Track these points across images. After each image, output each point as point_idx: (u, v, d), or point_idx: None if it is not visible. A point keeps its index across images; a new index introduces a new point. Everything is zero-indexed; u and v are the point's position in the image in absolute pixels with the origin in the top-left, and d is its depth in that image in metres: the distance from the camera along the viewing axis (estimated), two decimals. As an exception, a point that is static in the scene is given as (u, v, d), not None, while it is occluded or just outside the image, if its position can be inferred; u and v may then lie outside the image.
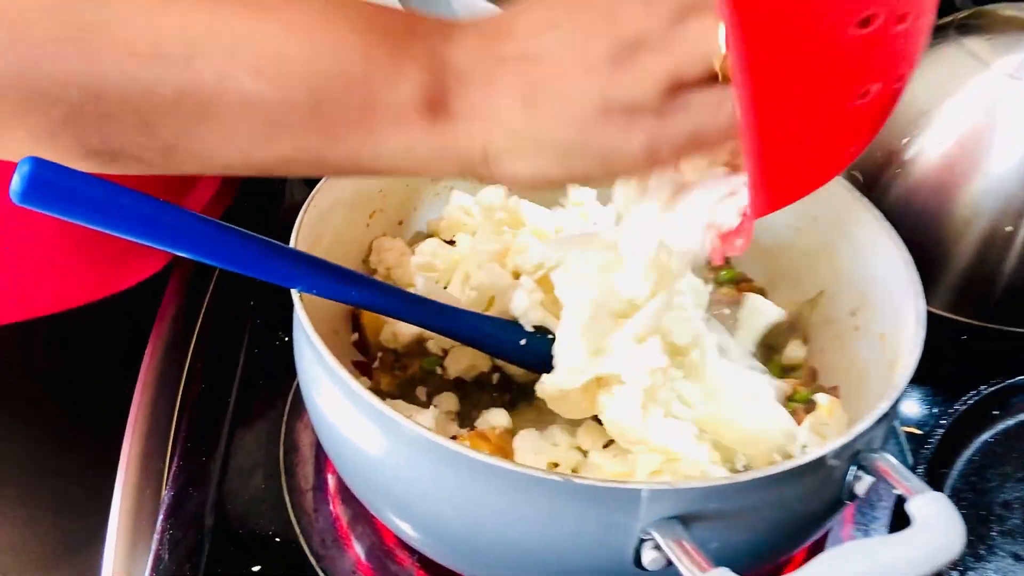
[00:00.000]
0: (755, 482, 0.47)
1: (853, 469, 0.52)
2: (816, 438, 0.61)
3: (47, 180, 0.43)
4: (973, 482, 0.66)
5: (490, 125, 0.44)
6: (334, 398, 0.54)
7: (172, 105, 0.43)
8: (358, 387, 0.50)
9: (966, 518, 0.60)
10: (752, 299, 0.71)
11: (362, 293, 0.57)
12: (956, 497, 0.65)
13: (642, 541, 0.47)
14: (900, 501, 0.49)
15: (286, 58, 0.43)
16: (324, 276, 0.55)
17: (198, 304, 0.82)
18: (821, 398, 0.65)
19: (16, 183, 0.42)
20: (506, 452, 0.59)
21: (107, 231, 0.47)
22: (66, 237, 0.73)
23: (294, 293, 0.55)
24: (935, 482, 0.65)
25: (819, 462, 0.49)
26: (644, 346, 0.55)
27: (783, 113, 0.41)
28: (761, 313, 0.70)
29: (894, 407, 0.52)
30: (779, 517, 0.51)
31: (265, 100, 0.43)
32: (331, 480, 0.65)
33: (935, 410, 0.74)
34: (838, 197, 0.68)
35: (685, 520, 0.47)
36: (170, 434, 0.71)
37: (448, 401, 0.64)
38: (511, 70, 0.43)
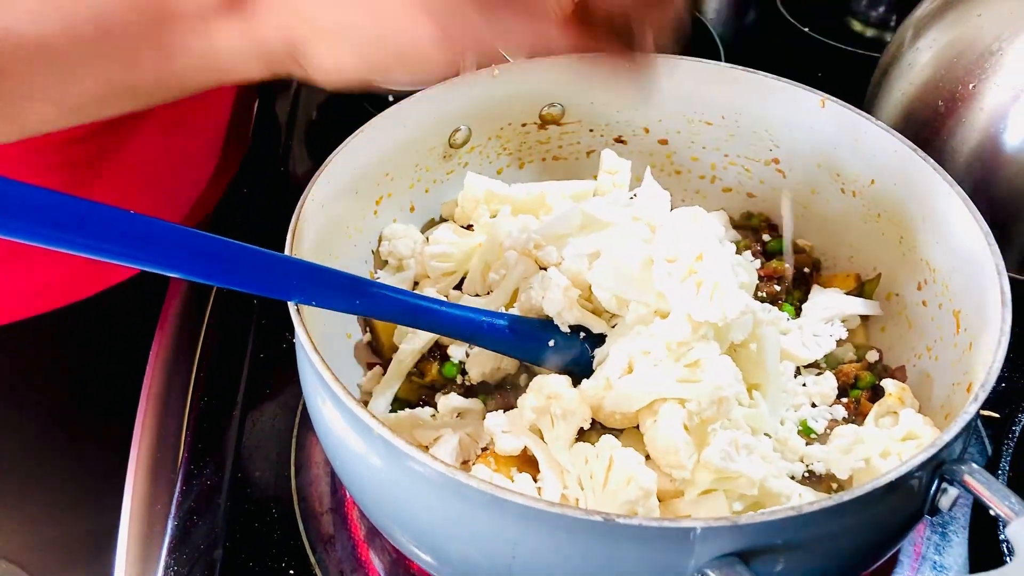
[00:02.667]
0: (826, 511, 0.41)
1: (937, 482, 0.45)
2: (884, 435, 0.54)
3: None
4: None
5: (292, 16, 0.45)
6: (342, 425, 0.48)
7: None
8: (367, 415, 0.44)
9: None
10: (829, 293, 0.64)
11: (365, 301, 0.50)
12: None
13: (697, 580, 0.41)
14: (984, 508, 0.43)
15: None
16: (321, 285, 0.49)
17: (203, 300, 0.76)
18: (889, 384, 0.59)
19: None
20: (533, 467, 0.53)
21: (74, 252, 0.41)
22: None
23: (291, 307, 0.48)
24: (1022, 474, 0.58)
25: (901, 480, 0.42)
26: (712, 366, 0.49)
27: None
28: (841, 304, 0.63)
29: (979, 409, 0.45)
30: (853, 542, 0.44)
31: (51, 44, 0.43)
32: (348, 501, 0.60)
33: (1016, 387, 0.66)
34: (897, 155, 0.61)
35: (745, 556, 0.41)
36: (178, 448, 0.67)
37: (471, 415, 0.57)
38: None
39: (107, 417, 0.90)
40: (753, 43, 1.06)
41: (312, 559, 0.56)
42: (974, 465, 0.44)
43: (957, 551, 0.58)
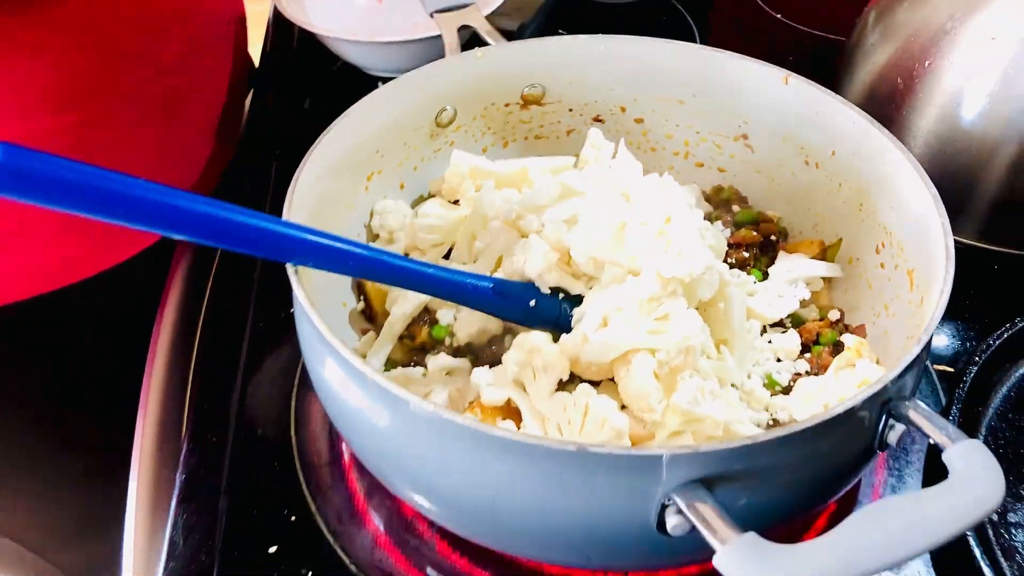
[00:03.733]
0: (780, 440, 0.45)
1: (884, 418, 0.49)
2: (842, 383, 0.59)
3: (19, 167, 0.41)
4: (1011, 419, 0.63)
5: None
6: (340, 378, 0.52)
7: None
8: (364, 366, 0.48)
9: (1004, 457, 0.59)
10: (794, 258, 0.68)
11: (360, 263, 0.54)
12: (993, 435, 0.63)
13: (664, 507, 0.45)
14: (934, 447, 0.47)
15: None
16: (318, 247, 0.53)
17: (204, 278, 0.80)
18: (848, 339, 0.63)
19: None
20: (516, 417, 0.57)
21: (89, 216, 0.44)
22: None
23: (290, 269, 0.52)
24: (971, 421, 0.63)
25: (848, 414, 0.46)
26: (680, 319, 0.53)
27: None
28: (805, 267, 0.67)
29: (924, 350, 0.49)
30: (809, 472, 0.48)
31: None
32: (345, 454, 0.64)
33: (968, 346, 0.71)
34: (856, 128, 0.65)
35: (709, 483, 0.45)
36: (183, 417, 0.71)
37: (460, 373, 0.61)
38: None
39: (110, 396, 0.93)
40: (726, 29, 1.10)
41: (312, 507, 0.60)
42: (918, 401, 0.48)
43: (913, 489, 0.62)
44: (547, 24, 1.08)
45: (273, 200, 0.82)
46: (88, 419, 0.91)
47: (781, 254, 0.69)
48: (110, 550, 1.10)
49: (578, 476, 0.45)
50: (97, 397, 0.91)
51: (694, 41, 1.04)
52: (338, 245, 0.53)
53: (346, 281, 0.67)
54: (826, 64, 0.91)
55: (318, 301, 0.52)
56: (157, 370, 0.78)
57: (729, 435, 0.54)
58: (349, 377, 0.51)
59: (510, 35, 1.03)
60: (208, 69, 0.85)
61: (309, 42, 0.96)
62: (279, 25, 1.04)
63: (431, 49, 0.89)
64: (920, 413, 0.48)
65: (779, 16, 1.08)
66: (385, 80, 0.83)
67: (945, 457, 0.45)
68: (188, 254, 0.86)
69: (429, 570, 0.58)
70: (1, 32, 0.50)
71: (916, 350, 0.49)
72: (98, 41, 0.70)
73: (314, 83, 0.99)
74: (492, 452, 0.46)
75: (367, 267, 0.55)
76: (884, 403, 0.49)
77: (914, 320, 0.58)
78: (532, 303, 0.59)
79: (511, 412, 0.58)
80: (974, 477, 0.44)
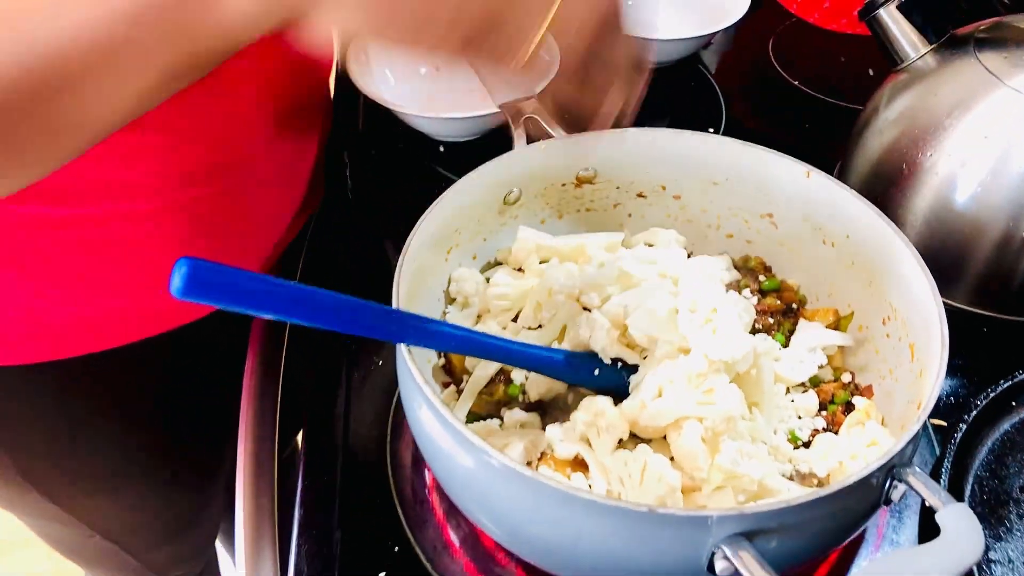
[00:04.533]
0: (810, 503, 0.57)
1: (889, 480, 0.61)
2: (854, 442, 0.71)
3: (203, 279, 0.52)
4: (994, 469, 0.75)
5: None
6: (434, 427, 0.63)
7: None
8: (460, 424, 0.59)
9: (987, 503, 0.70)
10: (812, 326, 0.80)
11: (454, 342, 0.66)
12: (979, 483, 0.75)
13: (713, 553, 0.57)
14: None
15: None
16: (425, 332, 0.64)
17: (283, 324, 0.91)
18: (858, 401, 0.75)
19: (176, 282, 0.49)
20: (583, 468, 0.69)
21: (254, 314, 0.56)
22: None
23: (401, 346, 0.64)
24: (960, 472, 0.75)
25: (863, 480, 0.58)
26: (723, 393, 0.65)
27: None
28: (822, 336, 0.78)
29: (922, 428, 0.61)
30: (829, 525, 0.60)
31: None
32: (433, 492, 0.76)
33: (960, 401, 0.83)
34: (866, 218, 0.76)
35: (749, 535, 0.57)
36: (273, 439, 0.82)
37: (531, 426, 0.73)
38: None
39: (196, 418, 1.04)
40: (749, 94, 1.22)
41: (411, 539, 0.72)
42: (916, 467, 0.60)
43: (909, 532, 0.74)
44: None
45: (353, 256, 0.94)
46: (179, 438, 1.02)
47: (801, 322, 0.81)
48: (192, 549, 1.22)
49: (647, 530, 0.57)
50: (187, 422, 1.02)
51: (718, 102, 1.16)
52: (444, 329, 0.65)
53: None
54: (837, 131, 1.03)
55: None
56: (249, 398, 0.87)
57: (763, 489, 0.66)
58: (444, 430, 0.62)
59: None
60: (308, 129, 0.94)
61: (372, 108, 1.07)
62: (344, 91, 1.15)
63: (491, 119, 1.00)
64: (918, 478, 0.60)
65: (797, 83, 1.20)
66: (446, 144, 0.95)
67: (938, 517, 0.57)
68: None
69: (510, 593, 0.70)
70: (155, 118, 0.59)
71: (915, 428, 0.61)
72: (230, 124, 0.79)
73: (380, 146, 1.10)
74: (575, 508, 0.58)
75: (465, 345, 0.67)
76: (890, 468, 0.60)
77: (914, 387, 0.70)
78: (596, 372, 0.71)
79: (578, 464, 0.69)
80: (960, 536, 0.56)
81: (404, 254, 0.71)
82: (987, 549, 0.71)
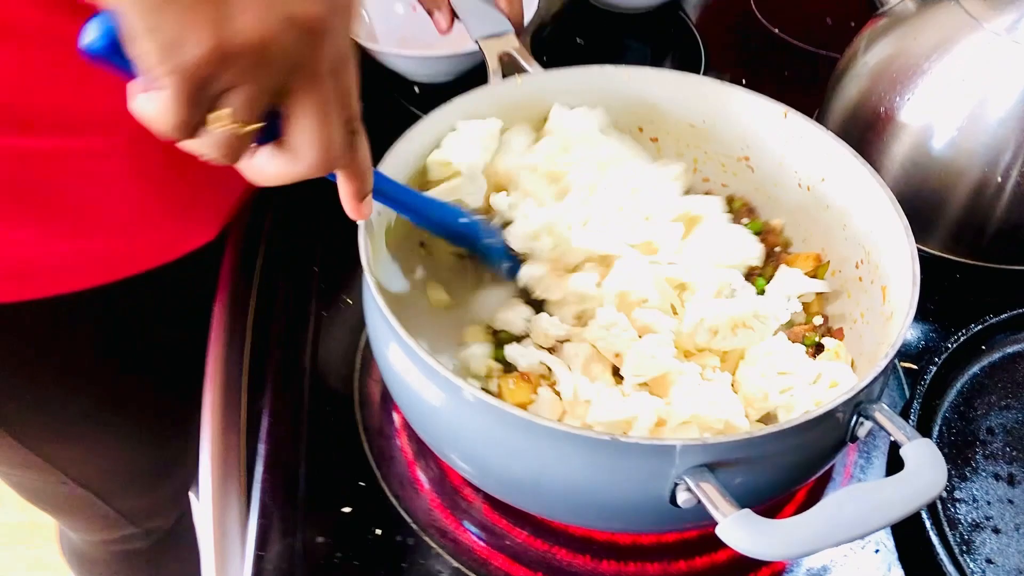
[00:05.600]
0: (772, 435, 0.56)
1: (856, 417, 0.61)
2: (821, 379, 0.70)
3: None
4: (962, 411, 0.75)
5: None
6: (402, 361, 0.63)
7: None
8: (424, 354, 0.58)
9: (953, 444, 0.71)
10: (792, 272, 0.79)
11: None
12: (947, 425, 0.75)
13: (676, 485, 0.57)
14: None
15: None
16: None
17: (252, 268, 0.91)
18: (828, 342, 0.74)
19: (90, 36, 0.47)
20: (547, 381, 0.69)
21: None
22: (148, 199, 0.80)
23: (363, 259, 0.63)
24: (928, 413, 0.75)
25: (828, 415, 0.58)
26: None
27: None
28: (800, 283, 0.78)
29: (890, 364, 0.61)
30: (793, 459, 0.60)
31: None
32: (402, 431, 0.75)
33: (930, 345, 0.83)
34: (842, 160, 0.75)
35: (712, 467, 0.57)
36: (241, 382, 0.82)
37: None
38: None
39: (171, 365, 1.03)
40: (728, 41, 1.20)
41: (378, 474, 0.71)
42: (883, 404, 0.60)
43: (877, 471, 0.74)
44: (562, 30, 1.18)
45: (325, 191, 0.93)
46: (152, 383, 1.01)
47: (781, 267, 0.80)
48: (167, 498, 1.21)
49: (610, 459, 0.57)
50: (160, 366, 1.01)
51: (698, 50, 1.15)
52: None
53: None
54: (818, 79, 1.02)
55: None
56: (218, 340, 0.86)
57: (728, 427, 0.66)
58: (411, 361, 0.62)
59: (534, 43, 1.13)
60: None
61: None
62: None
63: (468, 59, 0.99)
64: (884, 415, 0.60)
65: (777, 31, 1.19)
66: (423, 85, 0.94)
67: (902, 452, 0.57)
68: (236, 251, 0.95)
69: (476, 529, 0.70)
70: None
71: (883, 364, 0.60)
72: None
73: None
74: (538, 437, 0.58)
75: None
76: (856, 405, 0.60)
77: (884, 330, 0.70)
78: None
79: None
80: (924, 469, 0.56)
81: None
82: (952, 488, 0.71)
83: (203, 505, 0.76)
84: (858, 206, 0.75)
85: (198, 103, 0.46)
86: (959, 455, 0.73)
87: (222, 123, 0.47)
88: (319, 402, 0.76)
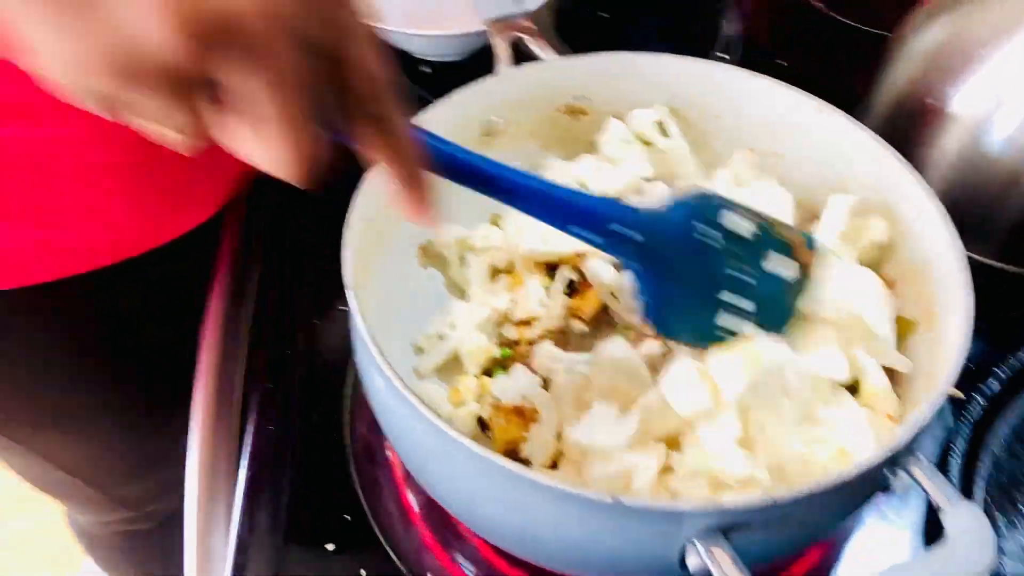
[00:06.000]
0: (794, 501, 0.50)
1: (891, 469, 0.54)
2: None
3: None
4: (1014, 449, 0.68)
5: None
6: (392, 400, 0.57)
7: None
8: (410, 393, 0.52)
9: (1004, 487, 0.63)
10: None
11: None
12: (995, 466, 0.67)
13: (686, 546, 0.51)
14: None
15: None
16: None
17: (251, 260, 0.86)
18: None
19: None
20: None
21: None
22: (123, 187, 0.77)
23: (349, 294, 0.57)
24: (975, 449, 0.67)
25: (862, 475, 0.51)
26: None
27: None
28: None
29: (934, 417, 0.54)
30: (816, 519, 0.54)
31: None
32: (393, 457, 0.69)
33: (979, 370, 0.74)
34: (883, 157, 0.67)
35: (726, 530, 0.50)
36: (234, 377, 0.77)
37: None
38: None
39: (164, 354, 0.99)
40: (772, 19, 1.10)
41: (365, 506, 0.66)
42: (921, 457, 0.53)
43: (913, 511, 0.67)
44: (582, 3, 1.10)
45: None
46: (140, 373, 0.98)
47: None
48: (165, 484, 1.19)
49: (611, 520, 0.51)
50: (148, 356, 0.97)
51: (736, 28, 1.06)
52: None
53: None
54: (867, 60, 0.92)
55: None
56: (211, 335, 0.83)
57: (746, 483, 0.59)
58: (395, 399, 0.56)
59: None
60: None
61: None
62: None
63: (480, 39, 0.92)
64: (923, 471, 0.52)
65: (825, 7, 1.09)
66: (431, 64, 0.86)
67: (942, 517, 0.50)
68: (236, 235, 0.90)
69: (470, 566, 0.64)
70: None
71: (927, 415, 0.53)
72: None
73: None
74: (531, 492, 0.52)
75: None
76: (892, 459, 0.53)
77: (929, 357, 0.62)
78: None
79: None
80: (970, 542, 0.49)
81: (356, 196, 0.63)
82: (999, 536, 0.64)
83: (187, 532, 0.71)
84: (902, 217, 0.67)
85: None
86: (1008, 499, 0.65)
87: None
88: (307, 422, 0.71)
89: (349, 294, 0.57)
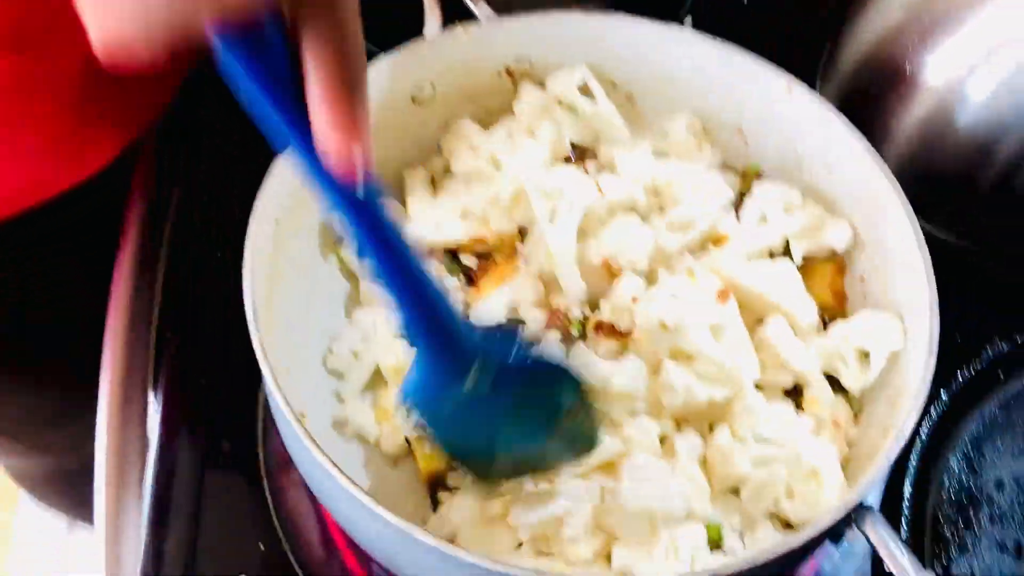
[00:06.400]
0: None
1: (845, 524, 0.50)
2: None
3: None
4: (971, 458, 0.64)
5: None
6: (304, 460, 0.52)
7: None
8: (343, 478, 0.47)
9: (958, 504, 0.61)
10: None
11: None
12: (950, 477, 0.64)
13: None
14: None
15: None
16: None
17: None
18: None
19: None
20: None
21: None
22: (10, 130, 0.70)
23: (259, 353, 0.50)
24: (932, 457, 0.64)
25: (815, 539, 0.47)
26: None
27: None
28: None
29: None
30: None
31: None
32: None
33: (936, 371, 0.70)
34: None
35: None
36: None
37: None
38: None
39: (77, 306, 0.94)
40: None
41: (282, 536, 0.61)
42: (880, 518, 0.49)
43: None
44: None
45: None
46: (58, 325, 0.95)
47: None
48: (87, 430, 1.18)
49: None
50: (66, 307, 0.94)
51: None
52: None
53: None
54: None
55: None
56: (122, 291, 0.81)
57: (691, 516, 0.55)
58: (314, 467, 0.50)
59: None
60: None
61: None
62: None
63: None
64: (880, 536, 0.49)
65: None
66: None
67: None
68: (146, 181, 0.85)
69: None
70: None
71: (882, 467, 0.49)
72: None
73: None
74: (457, 567, 0.47)
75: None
76: (846, 518, 0.49)
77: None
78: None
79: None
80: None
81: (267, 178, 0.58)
82: (948, 562, 0.61)
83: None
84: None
85: None
86: (961, 516, 0.62)
87: None
88: (217, 433, 0.65)
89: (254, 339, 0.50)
